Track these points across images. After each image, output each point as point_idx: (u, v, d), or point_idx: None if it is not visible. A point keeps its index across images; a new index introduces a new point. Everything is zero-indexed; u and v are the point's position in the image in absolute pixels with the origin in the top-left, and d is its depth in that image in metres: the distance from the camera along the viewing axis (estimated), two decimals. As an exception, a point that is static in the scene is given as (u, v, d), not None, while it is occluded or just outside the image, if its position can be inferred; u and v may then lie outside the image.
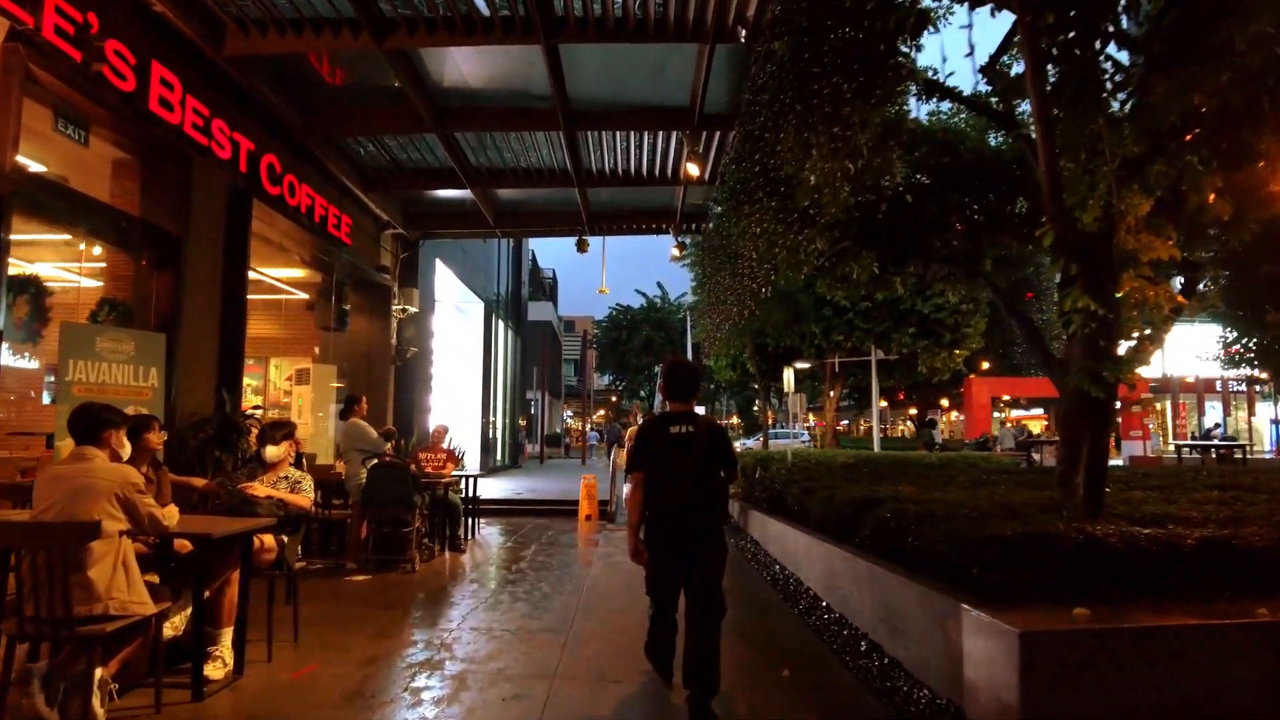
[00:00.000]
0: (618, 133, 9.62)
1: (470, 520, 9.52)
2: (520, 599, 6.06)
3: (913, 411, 45.10)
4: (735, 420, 68.12)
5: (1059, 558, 3.34)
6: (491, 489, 14.80)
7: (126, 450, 3.65)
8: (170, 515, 3.63)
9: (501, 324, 22.60)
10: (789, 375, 22.55)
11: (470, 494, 9.51)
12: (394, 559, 7.07)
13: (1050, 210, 3.96)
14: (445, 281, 15.92)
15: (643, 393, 55.39)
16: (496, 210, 12.08)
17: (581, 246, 12.33)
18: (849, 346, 21.33)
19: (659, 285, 59.45)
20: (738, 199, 12.62)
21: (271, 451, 4.89)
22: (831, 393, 22.06)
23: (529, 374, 36.23)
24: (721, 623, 3.59)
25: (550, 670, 4.26)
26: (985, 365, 27.58)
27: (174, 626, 4.01)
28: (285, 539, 4.62)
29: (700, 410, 4.05)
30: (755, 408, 64.69)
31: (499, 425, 22.74)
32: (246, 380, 12.51)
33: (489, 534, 10.08)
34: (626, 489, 15.06)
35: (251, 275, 10.81)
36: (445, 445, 8.83)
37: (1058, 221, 3.95)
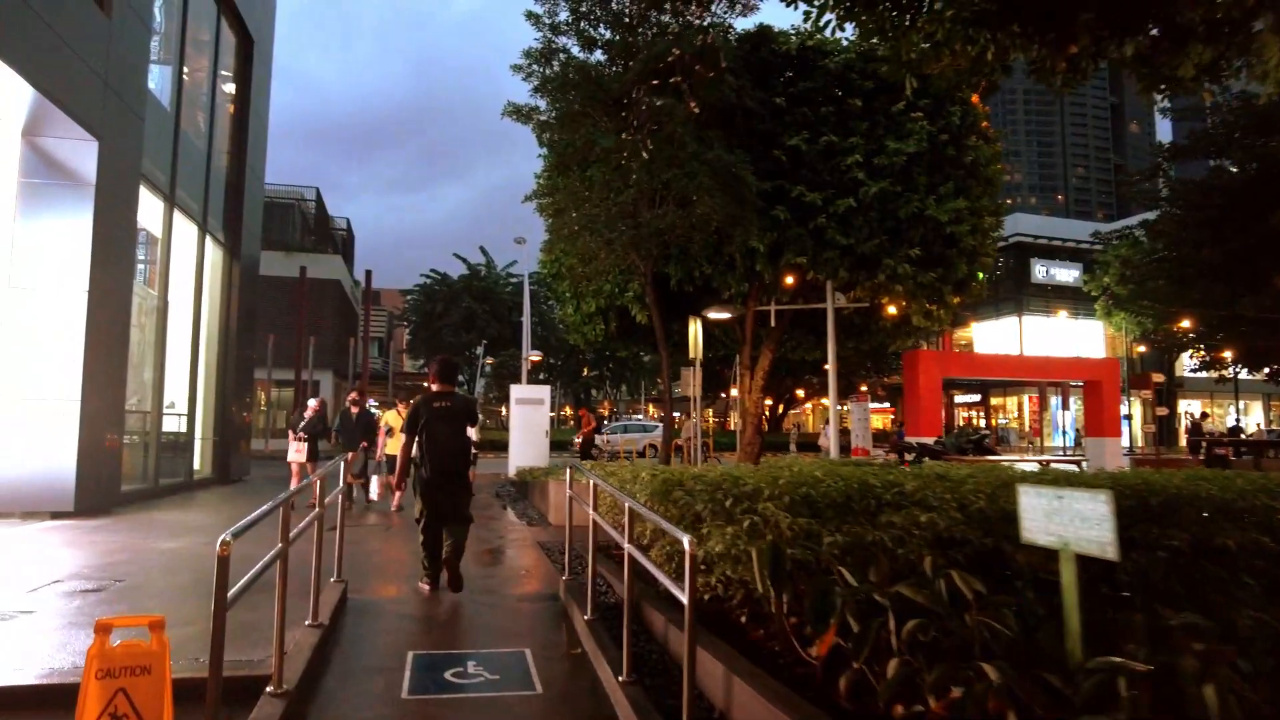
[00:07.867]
0: None
1: None
2: None
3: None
4: (569, 411, 58.90)
5: None
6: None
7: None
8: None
9: (188, 226, 12.39)
10: (696, 330, 14.30)
11: None
12: None
13: None
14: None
15: (462, 378, 44.54)
16: None
17: None
18: (802, 280, 13.39)
19: (482, 250, 49.26)
20: None
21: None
22: (761, 363, 13.99)
23: (298, 342, 25.32)
24: (468, 530, 5.53)
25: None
26: (974, 326, 20.90)
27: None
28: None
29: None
30: (594, 394, 55.98)
31: (182, 413, 12.52)
32: None
33: None
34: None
35: None
36: None
37: None
